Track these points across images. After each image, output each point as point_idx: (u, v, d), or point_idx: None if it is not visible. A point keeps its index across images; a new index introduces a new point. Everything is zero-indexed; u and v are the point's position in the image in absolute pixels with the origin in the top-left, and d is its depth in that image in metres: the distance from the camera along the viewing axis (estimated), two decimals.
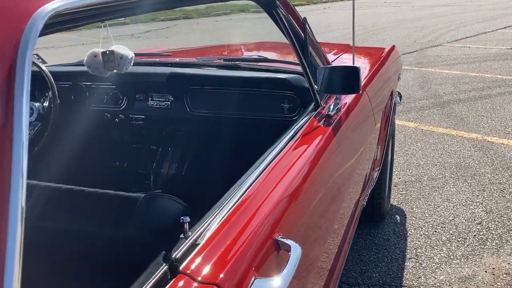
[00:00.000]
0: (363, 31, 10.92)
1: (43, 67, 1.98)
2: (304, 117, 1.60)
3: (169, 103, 2.17)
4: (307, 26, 1.56)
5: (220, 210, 0.99)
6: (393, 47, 3.03)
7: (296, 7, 1.66)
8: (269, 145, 1.38)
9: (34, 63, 2.00)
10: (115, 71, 1.88)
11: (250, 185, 1.15)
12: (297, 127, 1.54)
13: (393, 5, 17.57)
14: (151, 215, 0.98)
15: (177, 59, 2.43)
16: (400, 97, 3.20)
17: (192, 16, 15.61)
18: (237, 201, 1.04)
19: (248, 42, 3.44)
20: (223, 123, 2.12)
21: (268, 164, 1.28)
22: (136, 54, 2.48)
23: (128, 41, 11.65)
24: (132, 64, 1.96)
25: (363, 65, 2.49)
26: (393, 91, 2.80)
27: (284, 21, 1.49)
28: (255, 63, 2.16)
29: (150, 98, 2.21)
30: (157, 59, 2.32)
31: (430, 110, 5.13)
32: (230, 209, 1.01)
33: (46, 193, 1.05)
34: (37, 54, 2.43)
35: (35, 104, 2.05)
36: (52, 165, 2.50)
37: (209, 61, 2.24)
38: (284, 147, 1.37)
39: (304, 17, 1.59)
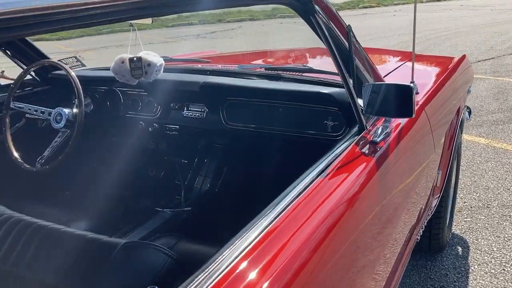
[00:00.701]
0: (435, 35, 10.29)
1: (72, 72, 1.88)
2: (345, 141, 1.38)
3: (204, 113, 2.01)
4: (351, 35, 1.32)
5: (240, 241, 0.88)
6: (463, 57, 2.69)
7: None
8: (308, 167, 1.23)
9: (63, 68, 1.91)
10: (142, 79, 1.75)
11: (278, 215, 1.02)
12: (336, 152, 1.31)
13: (470, 8, 16.50)
14: (127, 269, 0.81)
15: (219, 66, 2.26)
16: (470, 112, 2.84)
17: (258, 18, 15.55)
18: (260, 233, 0.91)
19: (300, 48, 3.21)
20: (261, 138, 1.92)
21: (300, 194, 1.10)
22: (174, 60, 2.36)
23: (194, 41, 11.81)
24: (161, 72, 1.82)
25: (426, 78, 2.19)
26: (460, 107, 2.47)
27: (324, 29, 1.26)
28: (298, 74, 1.94)
29: (185, 108, 2.05)
30: (195, 66, 2.16)
31: (505, 125, 4.63)
32: (253, 241, 0.89)
33: (16, 227, 0.90)
34: (75, 57, 2.37)
35: (64, 110, 1.96)
36: (81, 171, 2.44)
37: (250, 69, 2.04)
38: (320, 175, 1.17)
39: (348, 25, 1.35)
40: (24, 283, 0.82)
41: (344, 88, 1.70)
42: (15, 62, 2.17)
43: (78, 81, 1.83)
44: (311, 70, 1.90)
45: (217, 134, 2.08)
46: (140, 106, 2.14)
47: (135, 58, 1.69)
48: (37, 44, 2.26)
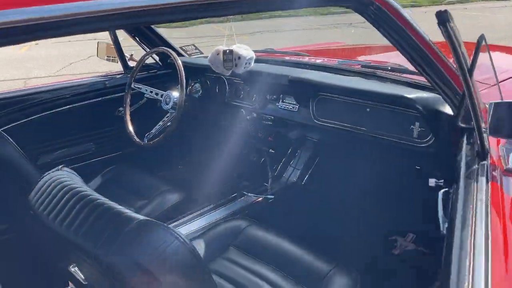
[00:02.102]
0: None
1: (178, 60, 2.06)
2: (465, 167, 1.18)
3: (296, 107, 2.04)
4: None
5: None
6: None
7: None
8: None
9: (171, 55, 2.10)
10: (233, 70, 1.85)
11: None
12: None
13: None
14: (134, 243, 0.91)
15: (316, 60, 2.24)
16: None
17: (422, 4, 14.64)
18: None
19: None
20: (348, 137, 1.89)
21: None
22: (276, 52, 2.42)
23: (344, 30, 11.66)
24: (251, 65, 1.90)
25: None
26: None
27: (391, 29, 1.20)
28: (395, 74, 1.85)
29: (280, 100, 2.11)
30: (293, 59, 2.19)
31: None
32: None
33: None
34: (194, 45, 2.58)
35: (172, 93, 2.17)
36: (188, 149, 2.67)
37: (346, 64, 2.00)
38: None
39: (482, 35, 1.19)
40: (67, 244, 0.99)
41: (436, 93, 1.58)
42: (143, 48, 2.46)
43: (182, 67, 2.01)
44: (406, 71, 1.79)
45: (307, 129, 2.10)
46: (242, 95, 2.26)
47: (227, 51, 1.80)
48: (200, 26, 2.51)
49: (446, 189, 1.32)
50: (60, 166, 1.24)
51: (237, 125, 2.32)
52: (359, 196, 2.11)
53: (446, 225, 1.12)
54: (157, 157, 2.50)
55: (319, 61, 2.13)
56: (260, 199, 2.10)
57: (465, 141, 1.35)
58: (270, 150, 2.20)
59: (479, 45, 1.17)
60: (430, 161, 1.72)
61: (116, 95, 2.39)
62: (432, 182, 1.47)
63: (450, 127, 1.54)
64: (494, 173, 1.17)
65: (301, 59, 2.19)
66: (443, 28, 1.01)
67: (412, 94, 1.59)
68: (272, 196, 2.10)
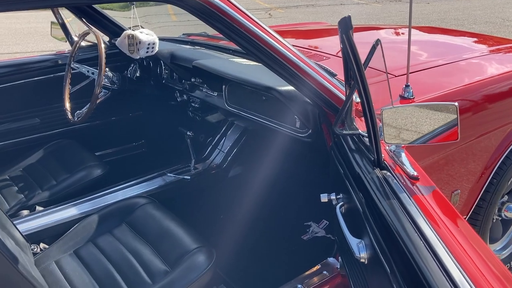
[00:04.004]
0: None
1: (102, 44, 2.14)
2: (366, 178, 1.12)
3: (216, 92, 2.09)
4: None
5: None
6: None
7: None
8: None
9: (96, 36, 2.19)
10: (135, 54, 1.92)
11: None
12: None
13: None
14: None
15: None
16: None
17: None
18: None
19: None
20: (254, 125, 1.94)
21: None
22: (208, 36, 2.45)
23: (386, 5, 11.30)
24: (155, 50, 1.96)
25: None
26: None
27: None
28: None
29: (205, 84, 2.16)
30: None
31: None
32: None
33: None
34: (141, 26, 2.65)
35: (108, 73, 2.27)
36: (121, 129, 2.78)
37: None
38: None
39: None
40: None
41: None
42: (89, 28, 2.56)
43: (102, 49, 2.10)
44: None
45: (227, 114, 2.15)
46: (175, 77, 2.33)
47: (130, 35, 1.87)
48: None
49: (342, 203, 1.30)
50: None
51: (170, 107, 2.40)
52: (276, 184, 2.16)
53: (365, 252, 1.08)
54: (98, 135, 2.64)
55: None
56: (176, 180, 2.18)
57: (348, 147, 1.30)
58: (188, 133, 2.27)
59: (374, 49, 1.14)
60: (312, 152, 1.74)
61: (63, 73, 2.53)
62: (324, 197, 1.40)
63: (321, 122, 1.56)
64: (403, 183, 1.09)
65: (228, 44, 2.22)
66: (345, 36, 0.91)
67: (283, 86, 1.60)
68: (189, 177, 2.18)
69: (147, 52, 1.92)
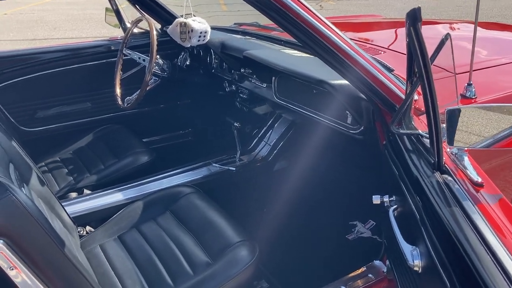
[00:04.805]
0: None
1: (154, 31, 2.14)
2: (426, 183, 1.04)
3: (265, 83, 2.05)
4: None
5: None
6: None
7: None
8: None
9: (149, 24, 2.19)
10: (187, 43, 1.90)
11: None
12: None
13: None
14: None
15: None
16: None
17: None
18: None
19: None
20: (303, 118, 1.89)
21: None
22: (260, 27, 2.41)
23: None
24: (206, 38, 1.94)
25: None
26: None
27: None
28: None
29: (255, 75, 2.13)
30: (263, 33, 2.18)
31: None
32: None
33: None
34: (193, 14, 2.64)
35: (158, 60, 2.27)
36: (169, 117, 2.79)
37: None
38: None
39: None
40: None
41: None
42: (141, 14, 2.58)
43: (154, 37, 2.09)
44: None
45: (275, 106, 2.10)
46: (225, 66, 2.31)
47: (183, 23, 1.86)
48: None
49: (396, 206, 1.21)
50: None
51: (218, 96, 2.38)
52: (322, 180, 2.10)
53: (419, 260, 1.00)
54: (146, 121, 2.66)
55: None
56: (222, 170, 2.17)
57: (404, 147, 1.22)
58: (235, 124, 2.24)
59: (442, 44, 1.03)
60: (363, 149, 1.67)
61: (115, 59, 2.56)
62: (376, 199, 1.31)
63: (375, 119, 1.49)
64: (466, 189, 0.99)
65: (280, 35, 2.17)
66: (413, 29, 0.82)
67: (336, 80, 1.54)
68: (234, 169, 2.16)
69: (198, 40, 1.90)
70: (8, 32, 7.91)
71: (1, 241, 1.06)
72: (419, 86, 0.97)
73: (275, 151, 2.24)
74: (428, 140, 1.10)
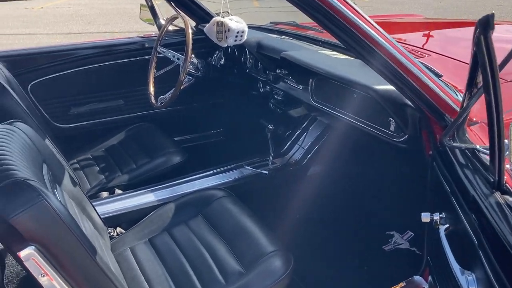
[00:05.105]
0: None
1: (189, 29, 2.10)
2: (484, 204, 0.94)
3: (301, 85, 1.98)
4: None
5: None
6: None
7: None
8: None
9: (184, 21, 2.14)
10: (223, 42, 1.85)
11: None
12: None
13: None
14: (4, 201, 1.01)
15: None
16: None
17: None
18: None
19: None
20: (340, 123, 1.81)
21: None
22: (297, 26, 2.33)
23: None
24: (243, 38, 1.88)
25: None
26: None
27: None
28: None
29: (290, 76, 2.06)
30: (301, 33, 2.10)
31: None
32: None
33: None
34: (227, 12, 2.59)
35: (193, 60, 2.23)
36: (202, 117, 2.74)
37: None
38: None
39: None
40: None
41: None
42: (177, 12, 2.54)
43: (190, 36, 2.04)
44: None
45: (311, 109, 2.03)
46: (260, 66, 2.25)
47: (220, 22, 1.80)
48: None
49: (448, 225, 1.11)
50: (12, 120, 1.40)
51: (252, 97, 2.33)
52: (359, 188, 2.02)
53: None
54: (177, 120, 2.63)
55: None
56: (254, 173, 2.11)
57: (457, 161, 1.12)
58: (269, 126, 2.18)
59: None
60: (405, 159, 1.58)
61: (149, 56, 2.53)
62: (426, 217, 1.18)
63: (421, 128, 1.41)
64: None
65: (318, 35, 2.09)
66: (483, 37, 0.74)
67: (381, 85, 1.46)
68: (266, 172, 2.10)
69: (235, 40, 1.85)
70: (45, 26, 8.06)
71: (33, 247, 1.03)
72: (480, 97, 0.88)
73: (309, 155, 2.16)
74: (485, 156, 1.01)
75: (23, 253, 1.03)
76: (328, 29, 1.15)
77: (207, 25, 1.93)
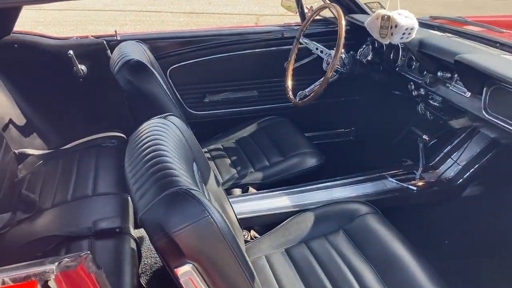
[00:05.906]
0: None
1: (343, 20, 1.89)
2: None
3: (469, 92, 1.71)
4: None
5: None
6: None
7: None
8: None
9: (335, 14, 1.95)
10: (387, 39, 1.63)
11: None
12: None
13: None
14: (166, 210, 0.91)
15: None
16: None
17: None
18: None
19: None
20: None
21: None
22: (465, 22, 2.02)
23: None
24: (411, 36, 1.64)
25: None
26: None
27: None
28: None
29: (454, 80, 1.79)
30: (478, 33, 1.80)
31: None
32: None
33: None
34: (379, 3, 2.36)
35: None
36: (339, 115, 2.54)
37: None
38: None
39: None
40: None
41: None
42: (323, 1, 2.35)
43: (343, 28, 1.84)
44: None
45: (479, 121, 1.74)
46: (414, 66, 1.99)
47: (386, 16, 1.58)
48: None
49: None
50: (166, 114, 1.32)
51: (395, 97, 2.09)
52: None
53: None
54: (309, 115, 2.46)
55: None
56: (400, 187, 1.88)
57: None
58: (424, 137, 1.92)
59: None
60: None
61: (289, 46, 2.39)
62: None
63: None
64: None
65: (493, 35, 1.79)
66: None
67: None
68: (414, 189, 1.86)
69: (401, 38, 1.62)
70: (169, 4, 8.34)
71: (191, 265, 0.94)
72: None
73: (467, 174, 1.88)
74: None
75: (181, 271, 0.95)
76: None
77: (369, 19, 1.71)
